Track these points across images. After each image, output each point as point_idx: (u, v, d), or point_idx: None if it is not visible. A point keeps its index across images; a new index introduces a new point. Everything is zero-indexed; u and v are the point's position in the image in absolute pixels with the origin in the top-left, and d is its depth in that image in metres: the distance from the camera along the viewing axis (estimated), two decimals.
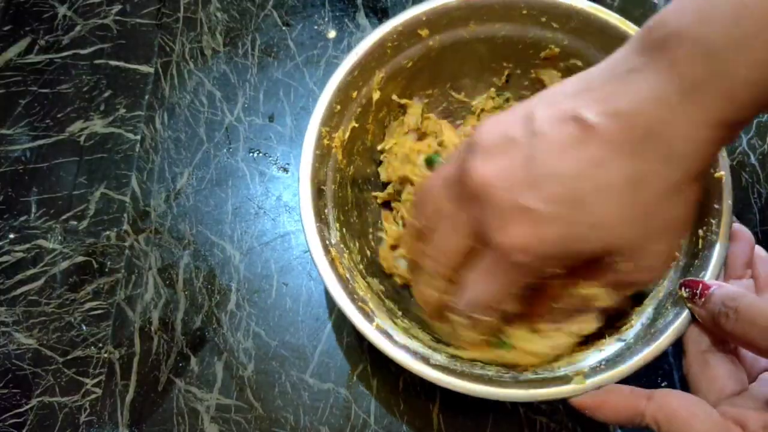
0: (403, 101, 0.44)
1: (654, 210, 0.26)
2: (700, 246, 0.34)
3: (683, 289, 0.32)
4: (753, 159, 0.48)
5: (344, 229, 0.40)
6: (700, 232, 0.35)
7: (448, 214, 0.31)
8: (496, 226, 0.27)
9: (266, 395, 0.42)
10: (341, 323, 0.44)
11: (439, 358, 0.35)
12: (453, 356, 0.35)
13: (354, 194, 0.42)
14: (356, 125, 0.41)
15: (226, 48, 0.53)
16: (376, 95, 0.41)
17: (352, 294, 0.35)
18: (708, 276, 0.33)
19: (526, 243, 0.27)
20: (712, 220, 0.34)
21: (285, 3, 0.55)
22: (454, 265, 0.32)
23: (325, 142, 0.39)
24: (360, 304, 0.35)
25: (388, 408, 0.41)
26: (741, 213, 0.46)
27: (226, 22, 0.54)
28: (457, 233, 0.30)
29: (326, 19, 0.54)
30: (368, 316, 0.34)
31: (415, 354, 0.34)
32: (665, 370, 0.41)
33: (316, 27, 0.54)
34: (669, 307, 0.34)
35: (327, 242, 0.36)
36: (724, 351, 0.31)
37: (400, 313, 0.38)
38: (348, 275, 0.36)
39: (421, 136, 0.45)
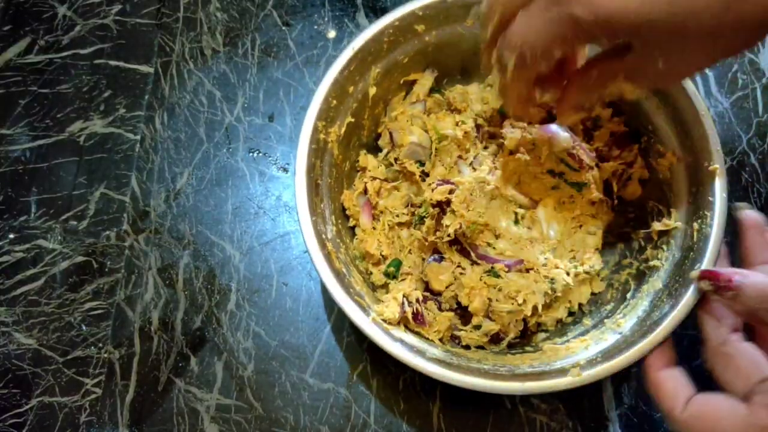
0: (412, 77, 0.44)
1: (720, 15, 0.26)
2: (695, 239, 0.35)
3: (703, 281, 0.32)
4: (753, 159, 0.48)
5: (340, 223, 0.40)
6: (695, 225, 0.35)
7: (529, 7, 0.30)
8: None
9: (266, 395, 0.42)
10: (341, 323, 0.44)
11: (436, 351, 0.35)
12: (447, 351, 0.35)
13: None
14: (352, 120, 0.41)
15: (226, 48, 0.53)
16: (372, 90, 0.42)
17: (348, 288, 0.35)
18: (704, 267, 0.33)
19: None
20: (707, 213, 0.34)
21: (285, 3, 0.55)
22: (536, 47, 0.31)
23: (321, 136, 0.39)
24: (356, 298, 0.35)
25: (388, 408, 0.41)
26: None
27: (226, 22, 0.54)
28: (536, 19, 0.30)
29: (326, 19, 0.54)
30: (365, 310, 0.34)
31: (411, 347, 0.34)
32: None
33: (316, 27, 0.54)
34: (665, 300, 0.34)
35: (323, 237, 0.36)
36: (742, 339, 0.31)
37: None
38: (344, 269, 0.36)
39: (428, 111, 0.45)
